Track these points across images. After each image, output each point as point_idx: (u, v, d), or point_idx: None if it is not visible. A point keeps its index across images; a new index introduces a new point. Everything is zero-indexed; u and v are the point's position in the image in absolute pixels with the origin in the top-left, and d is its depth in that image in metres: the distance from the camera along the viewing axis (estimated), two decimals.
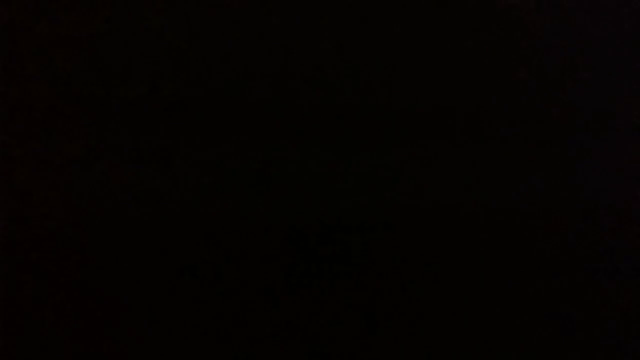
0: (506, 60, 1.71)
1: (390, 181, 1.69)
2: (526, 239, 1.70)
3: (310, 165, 1.68)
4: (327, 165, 1.68)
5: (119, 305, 1.65)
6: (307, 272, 1.67)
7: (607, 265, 1.70)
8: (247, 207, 1.67)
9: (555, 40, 1.72)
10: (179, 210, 1.66)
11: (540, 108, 1.71)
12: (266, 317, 1.66)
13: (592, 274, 1.70)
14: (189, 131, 1.67)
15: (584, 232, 1.70)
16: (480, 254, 1.69)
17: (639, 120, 1.73)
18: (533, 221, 1.70)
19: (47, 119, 1.67)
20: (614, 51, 1.73)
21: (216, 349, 1.66)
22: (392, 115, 1.69)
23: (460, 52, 1.70)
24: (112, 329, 1.64)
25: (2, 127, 1.66)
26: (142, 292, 1.65)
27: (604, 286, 1.70)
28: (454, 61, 1.70)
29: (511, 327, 1.69)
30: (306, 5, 1.69)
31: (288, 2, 1.69)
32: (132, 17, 1.68)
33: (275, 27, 1.68)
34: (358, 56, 1.69)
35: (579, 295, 1.70)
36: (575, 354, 1.69)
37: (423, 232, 1.68)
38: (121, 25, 1.67)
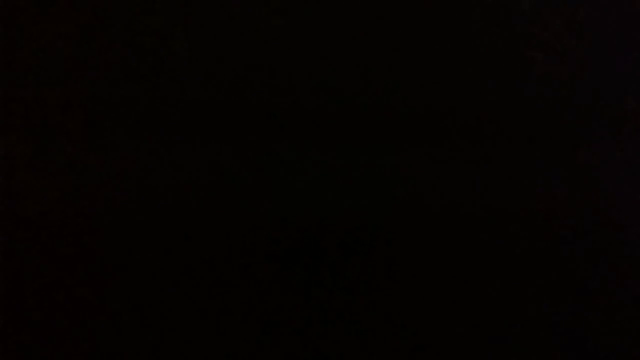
0: (508, 62, 1.71)
1: (390, 182, 1.69)
2: (528, 240, 1.70)
3: (312, 167, 1.68)
4: (328, 166, 1.68)
5: (119, 305, 1.65)
6: (307, 272, 1.67)
7: (607, 265, 1.70)
8: (247, 207, 1.67)
9: (558, 42, 1.72)
10: (179, 210, 1.66)
11: (544, 110, 1.71)
12: (265, 317, 1.66)
13: (593, 275, 1.70)
14: (190, 131, 1.67)
15: (585, 233, 1.70)
16: (481, 255, 1.69)
17: None
18: (535, 222, 1.70)
19: (47, 119, 1.67)
20: (618, 52, 1.73)
21: (215, 348, 1.66)
22: (394, 117, 1.69)
23: (463, 54, 1.71)
24: (111, 328, 1.64)
25: (2, 127, 1.67)
26: (141, 291, 1.65)
27: (605, 287, 1.70)
28: (457, 64, 1.71)
29: (511, 327, 1.69)
30: (307, 6, 1.69)
31: (289, 3, 1.69)
32: (133, 18, 1.68)
33: (277, 27, 1.69)
34: (360, 58, 1.70)
35: (579, 295, 1.70)
36: (576, 353, 1.69)
37: (423, 233, 1.68)
38: (121, 26, 1.68)
